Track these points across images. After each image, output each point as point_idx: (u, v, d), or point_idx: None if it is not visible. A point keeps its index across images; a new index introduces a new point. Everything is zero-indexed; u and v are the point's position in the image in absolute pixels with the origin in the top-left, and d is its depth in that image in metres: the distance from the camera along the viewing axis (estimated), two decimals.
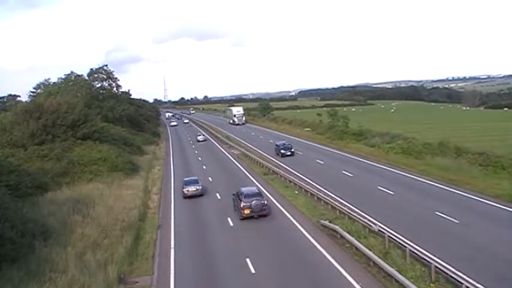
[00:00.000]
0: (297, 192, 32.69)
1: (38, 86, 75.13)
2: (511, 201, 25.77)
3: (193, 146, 68.38)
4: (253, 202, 25.82)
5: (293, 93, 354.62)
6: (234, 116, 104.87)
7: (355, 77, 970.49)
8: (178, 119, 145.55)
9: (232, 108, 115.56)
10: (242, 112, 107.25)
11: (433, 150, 41.83)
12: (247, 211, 25.85)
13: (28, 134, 41.70)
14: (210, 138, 78.34)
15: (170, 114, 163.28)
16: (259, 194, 27.06)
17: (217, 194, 33.91)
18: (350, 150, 50.93)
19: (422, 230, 21.99)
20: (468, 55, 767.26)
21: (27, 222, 22.31)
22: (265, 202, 26.61)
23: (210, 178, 40.63)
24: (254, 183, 35.96)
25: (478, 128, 68.91)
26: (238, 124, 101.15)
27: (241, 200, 26.22)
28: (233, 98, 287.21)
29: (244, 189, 27.49)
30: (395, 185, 32.36)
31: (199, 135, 78.20)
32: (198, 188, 33.72)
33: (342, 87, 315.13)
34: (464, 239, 20.70)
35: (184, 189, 33.62)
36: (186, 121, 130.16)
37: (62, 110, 44.87)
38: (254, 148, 59.76)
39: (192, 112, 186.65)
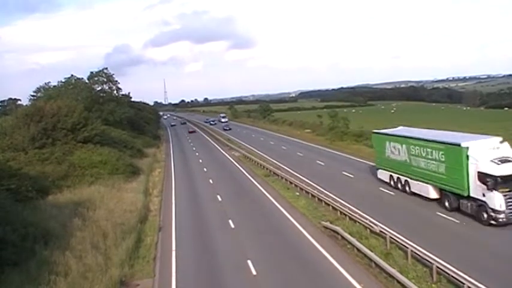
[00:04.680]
0: (297, 193, 32.66)
1: (38, 90, 74.87)
2: None
3: (194, 149, 68.31)
4: None
5: (293, 95, 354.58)
6: None
7: (355, 77, 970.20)
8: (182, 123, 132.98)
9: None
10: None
11: None
12: None
13: (28, 138, 41.68)
14: None
15: (162, 113, 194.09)
16: None
17: (218, 196, 33.90)
18: (350, 151, 50.87)
19: (423, 231, 21.95)
20: (468, 55, 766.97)
21: (28, 226, 22.31)
22: None
23: (210, 180, 40.67)
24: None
25: (479, 127, 68.69)
26: None
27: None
28: (233, 100, 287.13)
29: None
30: None
31: None
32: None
33: (342, 88, 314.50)
34: (466, 239, 20.75)
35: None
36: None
37: (62, 113, 44.86)
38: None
39: (224, 121, 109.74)
